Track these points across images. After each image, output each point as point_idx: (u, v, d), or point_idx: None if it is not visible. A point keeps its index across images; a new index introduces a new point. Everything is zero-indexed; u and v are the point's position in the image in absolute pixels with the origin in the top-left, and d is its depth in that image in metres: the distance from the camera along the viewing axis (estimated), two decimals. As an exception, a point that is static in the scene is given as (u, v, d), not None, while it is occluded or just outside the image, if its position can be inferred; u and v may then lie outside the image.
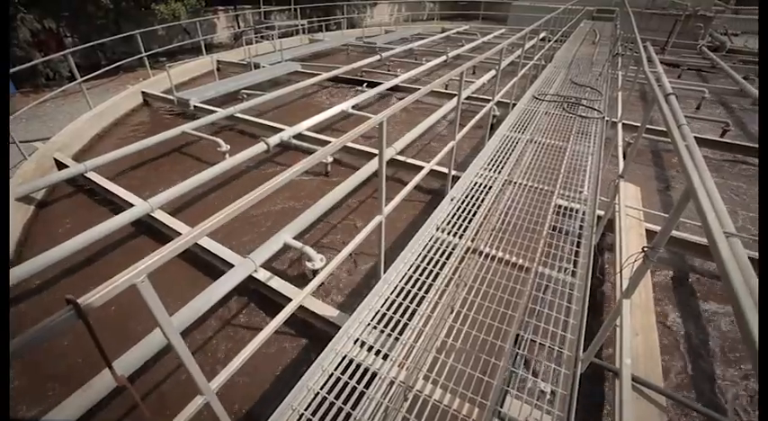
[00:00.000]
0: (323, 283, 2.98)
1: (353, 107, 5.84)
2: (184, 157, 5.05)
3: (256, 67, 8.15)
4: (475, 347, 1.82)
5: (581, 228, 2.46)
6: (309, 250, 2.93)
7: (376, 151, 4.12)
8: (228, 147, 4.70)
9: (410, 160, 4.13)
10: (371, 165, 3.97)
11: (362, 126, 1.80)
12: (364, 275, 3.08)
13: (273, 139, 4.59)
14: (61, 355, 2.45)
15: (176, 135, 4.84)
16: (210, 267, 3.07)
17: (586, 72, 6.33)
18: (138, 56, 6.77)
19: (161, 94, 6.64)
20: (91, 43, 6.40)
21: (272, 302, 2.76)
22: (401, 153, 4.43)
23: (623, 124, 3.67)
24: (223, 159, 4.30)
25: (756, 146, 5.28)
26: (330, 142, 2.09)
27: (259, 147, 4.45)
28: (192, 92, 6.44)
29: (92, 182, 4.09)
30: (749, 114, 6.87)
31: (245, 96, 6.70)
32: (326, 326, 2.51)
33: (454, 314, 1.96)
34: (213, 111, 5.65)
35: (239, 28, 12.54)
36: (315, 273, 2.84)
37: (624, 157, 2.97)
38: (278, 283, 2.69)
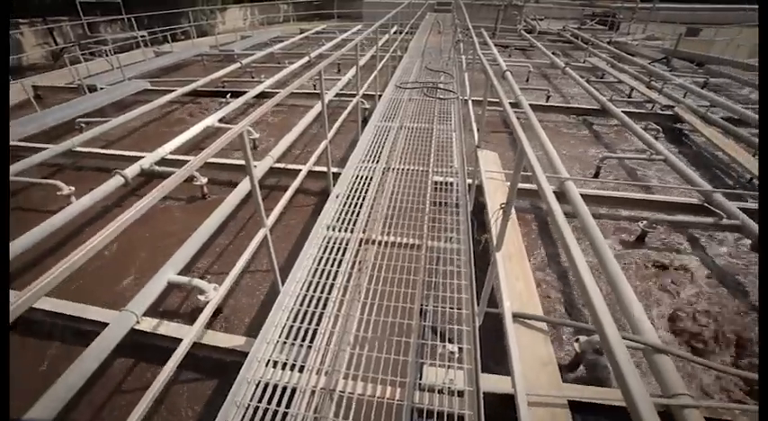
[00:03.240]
0: (221, 313, 2.74)
1: (220, 120, 5.43)
2: (10, 211, 4.06)
3: (91, 89, 6.93)
4: (386, 332, 1.89)
5: (457, 198, 2.74)
6: (199, 282, 2.65)
7: (254, 163, 3.92)
8: (73, 188, 3.94)
9: (290, 166, 4.04)
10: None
11: (222, 139, 1.70)
12: (266, 292, 2.93)
13: (132, 170, 3.99)
14: None
15: (-10, 186, 3.84)
16: (78, 335, 2.55)
17: (438, 59, 7.00)
18: None
19: (-45, 139, 5.17)
20: None
21: (167, 350, 2.43)
22: (281, 159, 4.29)
23: (473, 101, 4.17)
24: (68, 204, 3.59)
25: (571, 105, 6.58)
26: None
27: (115, 182, 3.83)
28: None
29: None
30: (560, 81, 8.52)
31: (82, 126, 5.64)
32: (236, 357, 2.31)
33: (360, 306, 2.00)
34: (41, 149, 4.63)
35: (56, 44, 10.48)
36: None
37: (479, 130, 3.38)
38: (168, 328, 2.38)
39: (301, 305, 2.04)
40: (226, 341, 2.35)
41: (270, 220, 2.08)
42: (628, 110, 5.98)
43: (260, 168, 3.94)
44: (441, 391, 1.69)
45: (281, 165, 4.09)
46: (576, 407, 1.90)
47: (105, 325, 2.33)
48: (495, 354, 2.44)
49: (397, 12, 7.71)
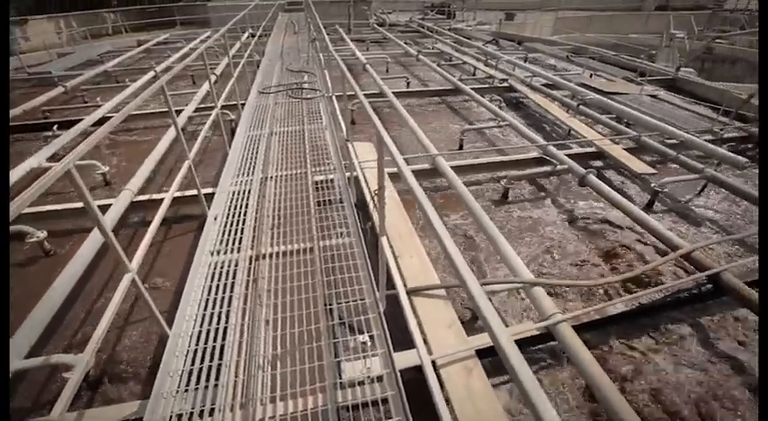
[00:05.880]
0: (100, 383, 2.32)
1: (50, 159, 4.48)
2: None
3: None
4: (296, 343, 1.84)
5: (339, 193, 2.78)
6: (60, 357, 2.17)
7: (110, 201, 3.35)
8: None
9: (155, 196, 3.57)
10: (108, 220, 3.20)
11: (38, 184, 1.40)
12: (156, 341, 2.57)
13: None
14: None
15: None
16: None
17: (297, 59, 6.92)
18: None
19: None
20: None
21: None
22: (144, 190, 3.76)
23: (338, 96, 4.25)
24: None
25: (429, 88, 7.21)
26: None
27: None
28: None
29: None
30: (416, 67, 9.18)
31: None
32: (132, 427, 2.00)
33: (264, 325, 1.91)
34: None
35: None
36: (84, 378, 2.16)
37: (350, 123, 3.47)
38: (27, 426, 1.92)
39: (197, 343, 1.85)
40: (114, 414, 1.99)
41: (135, 263, 1.82)
42: (475, 86, 6.82)
43: (119, 205, 3.39)
44: (361, 383, 1.73)
45: (145, 198, 3.59)
46: (483, 353, 2.14)
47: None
48: (406, 331, 2.59)
49: (245, 14, 7.34)
